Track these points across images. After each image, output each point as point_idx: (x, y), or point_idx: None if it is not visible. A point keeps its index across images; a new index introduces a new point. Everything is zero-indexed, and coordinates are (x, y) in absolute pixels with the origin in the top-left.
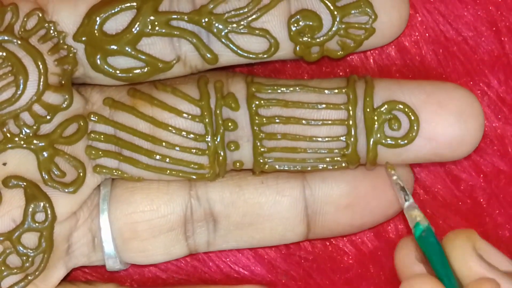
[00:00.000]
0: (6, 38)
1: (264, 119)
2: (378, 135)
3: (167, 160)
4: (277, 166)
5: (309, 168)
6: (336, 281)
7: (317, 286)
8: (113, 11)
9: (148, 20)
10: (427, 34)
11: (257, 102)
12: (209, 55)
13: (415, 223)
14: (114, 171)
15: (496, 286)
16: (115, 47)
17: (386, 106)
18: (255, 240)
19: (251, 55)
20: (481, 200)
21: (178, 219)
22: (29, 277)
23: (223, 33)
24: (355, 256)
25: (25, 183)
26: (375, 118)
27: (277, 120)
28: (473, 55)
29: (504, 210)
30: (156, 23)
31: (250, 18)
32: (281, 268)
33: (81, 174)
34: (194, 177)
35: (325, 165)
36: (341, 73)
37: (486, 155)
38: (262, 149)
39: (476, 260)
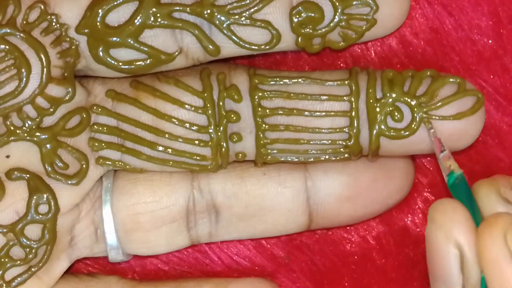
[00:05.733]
0: (8, 31)
1: (267, 111)
2: (381, 127)
3: (170, 151)
4: (279, 158)
5: (311, 159)
6: (339, 266)
7: (319, 272)
8: (115, 3)
9: (150, 12)
10: (427, 26)
11: (260, 94)
12: (211, 47)
13: (450, 171)
14: (116, 162)
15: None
16: (117, 39)
17: (388, 97)
18: (257, 231)
19: (253, 47)
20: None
21: (181, 210)
22: (33, 269)
23: (225, 25)
24: (358, 240)
25: (28, 175)
26: (378, 109)
27: (280, 112)
28: (472, 47)
29: None
30: (158, 15)
31: (252, 10)
32: (282, 258)
33: (84, 166)
34: (196, 168)
35: (327, 156)
36: (342, 65)
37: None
38: (265, 141)
39: (502, 203)
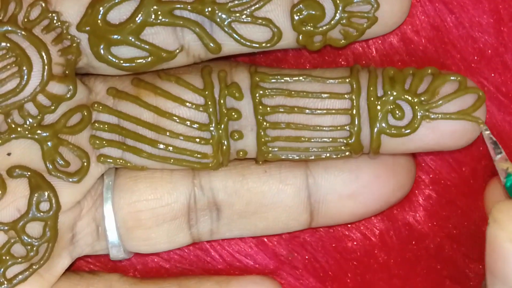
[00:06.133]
0: (9, 28)
1: (268, 109)
2: (382, 125)
3: (171, 149)
4: (280, 155)
5: (312, 157)
6: (342, 263)
7: (322, 269)
8: (116, 1)
9: (151, 9)
10: (428, 23)
11: (261, 92)
12: (212, 45)
13: (507, 174)
14: (117, 160)
15: None
16: (118, 37)
17: (389, 95)
18: (259, 229)
19: (254, 44)
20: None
21: (182, 207)
22: (34, 266)
23: (226, 23)
24: (360, 237)
25: (29, 173)
26: (379, 107)
27: (281, 110)
28: (473, 44)
29: None
30: (159, 12)
31: (253, 8)
32: (284, 256)
33: (85, 163)
34: (197, 166)
35: (328, 154)
36: (343, 62)
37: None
38: (266, 138)
39: None
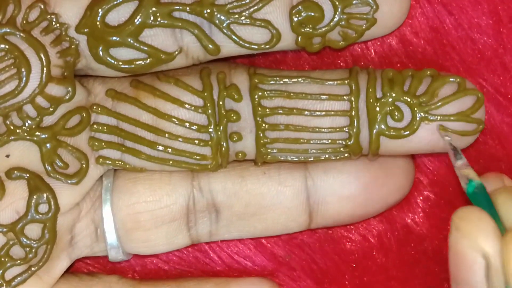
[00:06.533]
0: (8, 30)
1: (267, 110)
2: (381, 126)
3: (170, 151)
4: (279, 157)
5: (311, 159)
6: (340, 264)
7: (320, 270)
8: (115, 3)
9: (150, 11)
10: (427, 25)
11: (260, 93)
12: (211, 46)
13: (468, 180)
14: (116, 162)
15: None
16: (117, 39)
17: (388, 97)
18: (258, 230)
19: (253, 46)
20: None
21: (181, 209)
22: (33, 268)
23: (225, 24)
24: (358, 239)
25: (28, 175)
26: (378, 109)
27: (280, 111)
28: (472, 46)
29: None
30: (158, 14)
31: (252, 9)
32: (283, 257)
33: (84, 165)
34: (196, 167)
35: (327, 156)
36: (342, 64)
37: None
38: (265, 140)
39: None
